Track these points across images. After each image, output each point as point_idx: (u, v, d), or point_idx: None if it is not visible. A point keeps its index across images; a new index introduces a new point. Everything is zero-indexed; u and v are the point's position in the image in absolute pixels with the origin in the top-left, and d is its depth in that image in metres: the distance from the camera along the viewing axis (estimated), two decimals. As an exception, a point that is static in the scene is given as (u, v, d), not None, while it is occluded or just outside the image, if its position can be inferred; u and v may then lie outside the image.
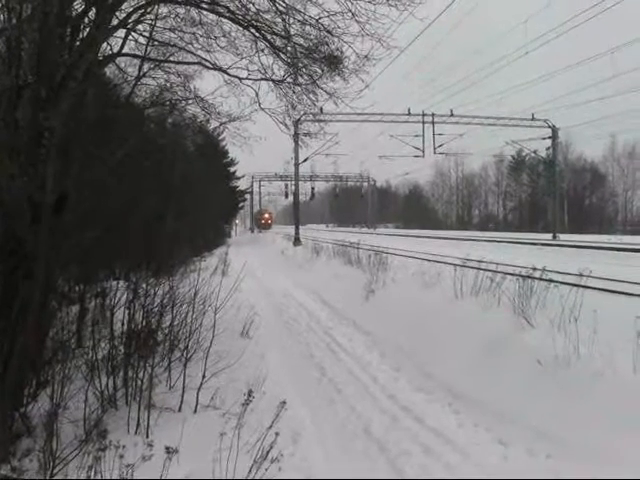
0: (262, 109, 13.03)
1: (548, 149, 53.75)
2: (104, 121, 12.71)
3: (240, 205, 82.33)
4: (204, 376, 8.32)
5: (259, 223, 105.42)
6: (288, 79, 11.80)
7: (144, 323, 8.97)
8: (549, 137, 52.32)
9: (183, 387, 8.14)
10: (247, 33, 10.87)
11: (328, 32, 10.46)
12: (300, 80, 11.67)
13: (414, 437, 7.35)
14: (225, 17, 10.52)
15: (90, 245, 11.18)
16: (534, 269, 10.89)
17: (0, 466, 6.11)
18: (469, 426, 7.66)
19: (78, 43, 8.22)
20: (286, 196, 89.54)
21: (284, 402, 6.10)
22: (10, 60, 7.21)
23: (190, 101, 16.36)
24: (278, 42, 10.82)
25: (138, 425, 7.26)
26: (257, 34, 10.71)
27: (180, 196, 23.71)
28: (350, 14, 10.08)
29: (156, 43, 13.32)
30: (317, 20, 10.33)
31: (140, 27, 11.96)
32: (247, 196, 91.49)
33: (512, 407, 7.77)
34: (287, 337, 13.93)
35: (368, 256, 21.02)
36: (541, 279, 10.61)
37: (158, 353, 8.95)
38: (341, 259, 24.98)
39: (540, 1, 36.97)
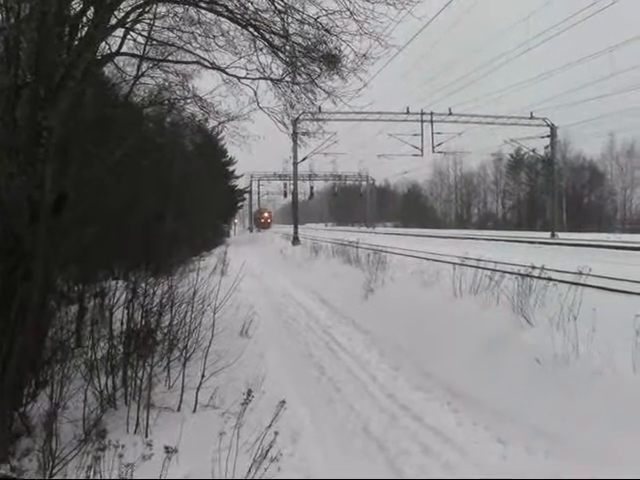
0: (261, 108, 13.04)
1: (547, 147, 53.74)
2: (103, 120, 12.71)
3: (239, 204, 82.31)
4: (203, 375, 8.32)
5: (258, 222, 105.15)
6: (286, 78, 11.80)
7: (143, 323, 8.98)
8: (548, 135, 52.32)
9: (182, 386, 8.14)
10: (245, 32, 10.87)
11: (326, 31, 10.45)
12: (299, 79, 11.67)
13: (413, 436, 7.35)
14: (224, 16, 10.51)
15: (89, 244, 11.18)
16: (533, 267, 10.90)
17: (0, 466, 6.12)
18: (468, 425, 7.66)
19: (76, 42, 8.21)
20: (285, 195, 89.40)
21: (283, 401, 6.10)
22: (8, 59, 7.20)
23: (189, 100, 16.37)
24: (277, 41, 10.82)
25: (137, 425, 7.26)
26: (256, 33, 10.70)
27: (179, 195, 23.70)
28: (348, 13, 10.07)
29: (154, 42, 13.32)
30: (315, 19, 10.33)
31: (139, 26, 11.98)
32: (246, 195, 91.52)
33: (511, 406, 7.78)
34: (286, 336, 13.93)
35: (367, 255, 21.03)
36: (540, 277, 10.62)
37: (157, 353, 8.95)
38: (340, 258, 24.98)
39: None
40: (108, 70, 14.92)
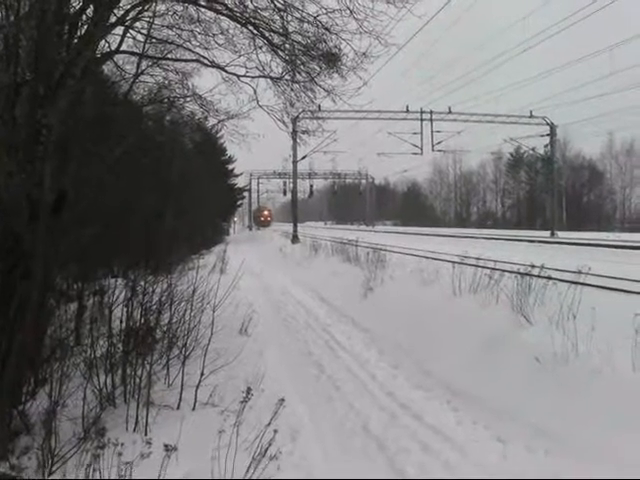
0: (260, 106, 13.01)
1: (546, 146, 53.84)
2: (102, 118, 12.70)
3: (238, 203, 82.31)
4: (202, 374, 8.32)
5: (258, 221, 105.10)
6: (286, 76, 11.78)
7: (142, 321, 8.99)
8: (547, 134, 52.39)
9: (182, 385, 8.14)
10: (245, 30, 10.85)
11: (326, 29, 10.44)
12: (298, 77, 11.65)
13: (413, 434, 7.34)
14: (223, 14, 10.50)
15: (88, 243, 11.18)
16: (532, 266, 10.90)
17: (-1, 464, 6.13)
18: (468, 423, 7.66)
19: (76, 40, 8.21)
20: (284, 194, 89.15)
21: (283, 399, 6.10)
22: (8, 57, 7.19)
23: (188, 99, 16.32)
24: (276, 39, 10.80)
25: (137, 423, 7.26)
26: (255, 31, 10.69)
27: (178, 194, 23.72)
28: (348, 11, 10.07)
29: (154, 40, 13.28)
30: (315, 17, 10.32)
31: (138, 24, 11.93)
32: (245, 194, 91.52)
33: (511, 404, 7.77)
34: (285, 334, 13.93)
35: (366, 253, 21.05)
36: (539, 276, 10.63)
37: (156, 351, 8.96)
38: (339, 257, 24.99)
39: (539, -2, 36.95)
40: (107, 68, 14.88)
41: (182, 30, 12.11)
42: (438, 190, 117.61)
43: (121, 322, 8.90)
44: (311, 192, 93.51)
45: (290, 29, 10.57)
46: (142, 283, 9.29)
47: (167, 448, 4.88)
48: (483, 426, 7.50)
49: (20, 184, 6.95)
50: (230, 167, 61.57)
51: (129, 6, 9.84)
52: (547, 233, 48.59)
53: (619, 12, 39.82)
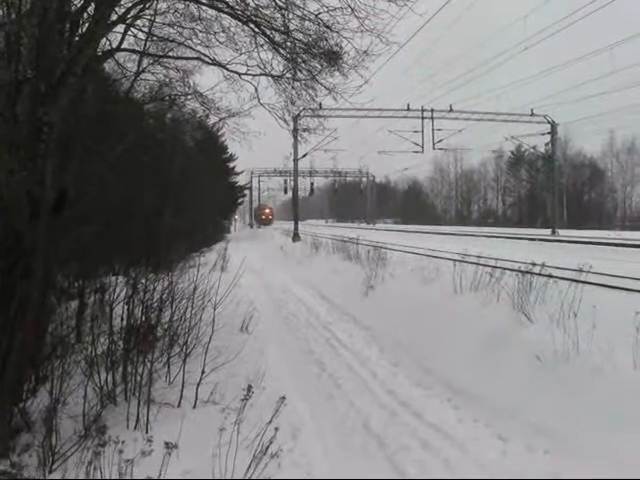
0: (261, 104, 13.00)
1: (547, 145, 53.89)
2: (103, 116, 12.69)
3: (239, 201, 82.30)
4: (203, 371, 8.33)
5: (259, 219, 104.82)
6: (287, 74, 11.78)
7: (143, 318, 8.99)
8: (548, 133, 52.37)
9: (182, 382, 8.14)
10: (246, 28, 10.85)
11: (327, 27, 10.43)
12: (299, 75, 11.65)
13: (413, 432, 7.35)
14: (224, 12, 10.50)
15: (89, 240, 11.18)
16: (533, 264, 10.90)
17: (0, 461, 6.13)
18: (468, 421, 7.66)
19: (77, 38, 8.21)
20: (285, 192, 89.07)
21: (283, 397, 6.11)
22: (9, 55, 7.21)
23: (189, 96, 16.32)
24: (277, 37, 10.80)
25: (137, 420, 7.26)
26: (256, 29, 10.69)
27: (179, 191, 23.71)
28: (349, 10, 10.06)
29: (155, 38, 13.28)
30: (316, 15, 10.31)
31: (139, 22, 11.91)
32: (246, 192, 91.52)
33: (511, 403, 7.78)
34: (286, 332, 13.94)
35: (367, 251, 21.04)
36: (540, 274, 10.63)
37: (157, 348, 8.95)
38: (340, 254, 24.99)
39: (540, -4, 36.87)
40: (109, 66, 14.88)
41: (183, 28, 12.12)
42: (439, 188, 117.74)
43: (122, 320, 8.91)
44: (312, 190, 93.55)
45: (291, 27, 10.57)
46: (143, 281, 9.29)
47: (168, 446, 4.88)
48: (484, 424, 7.50)
49: (21, 182, 6.96)
50: (231, 165, 61.64)
51: (130, 4, 9.85)
52: (548, 231, 48.54)
53: (620, 11, 39.84)
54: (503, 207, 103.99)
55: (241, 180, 76.90)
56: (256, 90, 12.70)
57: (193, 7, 11.22)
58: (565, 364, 7.82)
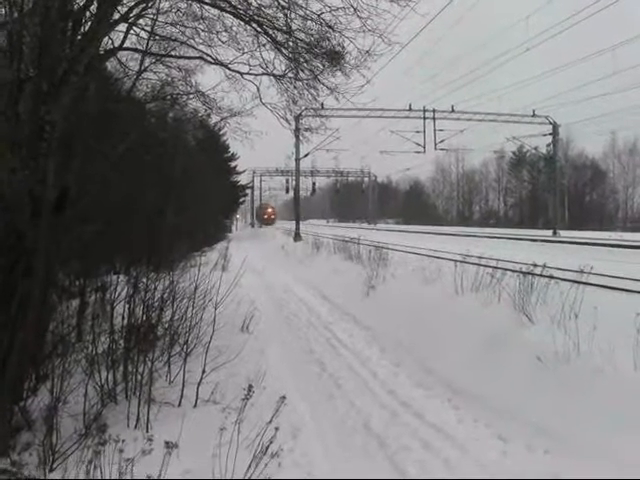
0: (263, 104, 13.00)
1: (549, 145, 53.83)
2: (105, 115, 12.69)
3: (241, 200, 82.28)
4: (204, 371, 8.33)
5: (261, 218, 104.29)
6: (289, 74, 11.77)
7: (144, 317, 8.99)
8: (550, 133, 52.36)
9: (183, 382, 8.15)
10: (249, 28, 10.84)
11: (330, 27, 10.43)
12: (301, 75, 11.64)
13: (413, 432, 7.35)
14: (227, 12, 10.50)
15: (91, 239, 11.18)
16: (534, 265, 10.90)
17: (0, 459, 6.13)
18: (469, 422, 7.67)
19: (79, 37, 8.21)
20: (287, 191, 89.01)
21: (284, 397, 6.11)
22: (12, 54, 7.22)
23: (191, 96, 16.32)
24: (280, 37, 10.80)
25: (138, 420, 7.27)
26: (259, 29, 10.68)
27: (181, 191, 23.70)
28: (352, 9, 10.06)
29: (157, 37, 13.28)
30: (319, 15, 10.31)
31: (141, 21, 11.92)
32: (248, 191, 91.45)
33: (512, 403, 7.78)
34: (287, 332, 13.94)
35: (368, 251, 21.04)
36: (541, 275, 10.63)
37: (158, 348, 8.95)
38: (341, 254, 25.00)
39: (543, -4, 36.85)
40: (111, 65, 14.88)
41: (185, 27, 12.13)
42: (440, 189, 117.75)
43: (123, 319, 8.92)
44: (313, 190, 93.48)
45: (294, 27, 10.57)
46: (144, 280, 9.29)
47: (168, 445, 4.88)
48: (484, 424, 7.51)
49: (23, 180, 6.96)
50: (233, 164, 61.60)
51: (132, 3, 9.85)
52: (549, 232, 48.50)
53: (622, 12, 39.83)
54: (504, 208, 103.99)
55: (243, 179, 76.94)
56: (258, 90, 12.71)
57: (195, 6, 11.23)
58: (566, 365, 7.82)
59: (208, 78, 15.03)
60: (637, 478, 5.44)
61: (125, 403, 7.73)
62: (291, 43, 10.87)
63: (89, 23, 8.40)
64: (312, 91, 11.99)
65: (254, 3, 10.18)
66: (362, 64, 11.28)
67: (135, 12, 10.22)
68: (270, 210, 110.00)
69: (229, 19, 11.03)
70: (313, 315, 16.07)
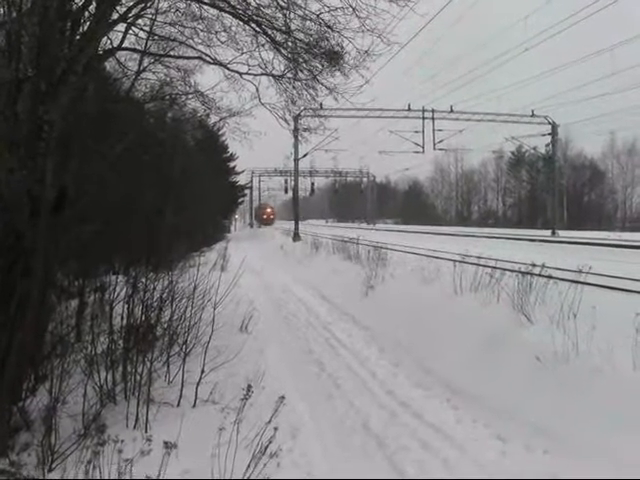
0: (262, 104, 13.01)
1: (547, 145, 53.88)
2: (104, 115, 12.70)
3: (240, 200, 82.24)
4: (203, 371, 8.33)
5: (261, 218, 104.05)
6: (288, 74, 11.77)
7: (143, 318, 8.99)
8: (549, 133, 52.41)
9: (182, 382, 8.14)
10: (247, 28, 10.84)
11: (329, 27, 10.43)
12: (300, 75, 11.64)
13: (412, 433, 7.35)
14: (226, 12, 10.50)
15: (89, 239, 11.18)
16: (533, 265, 10.90)
17: (-1, 460, 6.13)
18: (468, 422, 7.67)
19: (78, 37, 8.20)
20: (286, 191, 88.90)
21: (283, 397, 6.10)
22: (10, 53, 7.20)
23: (190, 96, 16.38)
24: (278, 37, 10.79)
25: (137, 420, 7.26)
26: (258, 29, 10.68)
27: (179, 191, 23.69)
28: (351, 9, 10.05)
29: (156, 37, 13.30)
30: (318, 15, 10.30)
31: (140, 21, 11.93)
32: (247, 191, 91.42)
33: (511, 403, 7.78)
34: (286, 332, 13.94)
35: (367, 251, 21.04)
36: (540, 275, 10.63)
37: (157, 348, 8.95)
38: (340, 255, 24.99)
39: (542, -4, 36.86)
40: (109, 65, 14.90)
41: (184, 27, 12.13)
42: (439, 189, 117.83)
43: (122, 319, 8.91)
44: (312, 190, 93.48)
45: (293, 27, 10.56)
46: (143, 280, 9.29)
47: (167, 445, 4.88)
48: (483, 424, 7.51)
49: (21, 180, 6.95)
50: (232, 164, 61.55)
51: (131, 3, 9.84)
52: (548, 232, 48.53)
53: (621, 12, 39.84)
54: (503, 208, 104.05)
55: (241, 180, 76.91)
56: (257, 90, 12.72)
57: (194, 6, 11.24)
58: (565, 365, 7.82)
59: (207, 78, 15.08)
60: (636, 478, 5.44)
61: (124, 403, 7.73)
62: (290, 43, 10.87)
63: (88, 23, 8.38)
64: (311, 91, 11.99)
65: (253, 3, 10.18)
66: (361, 64, 11.28)
67: (134, 12, 10.22)
68: (269, 210, 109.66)
69: (228, 19, 11.04)
70: (312, 315, 16.07)
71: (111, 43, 11.45)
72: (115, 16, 9.34)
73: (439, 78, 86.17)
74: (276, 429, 5.53)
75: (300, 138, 15.90)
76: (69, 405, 7.19)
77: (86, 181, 11.11)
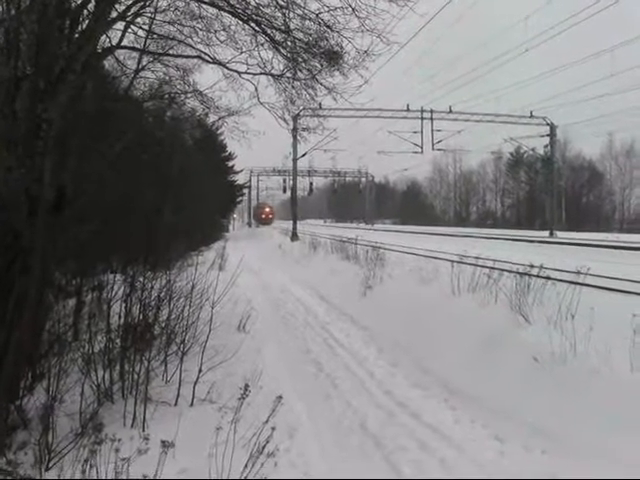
0: (261, 103, 13.03)
1: (546, 146, 53.90)
2: (102, 114, 12.68)
3: (238, 200, 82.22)
4: (200, 370, 8.30)
5: (259, 218, 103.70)
6: (287, 74, 11.79)
7: (141, 317, 8.98)
8: (547, 134, 52.42)
9: (179, 381, 8.13)
10: (247, 27, 10.85)
11: (328, 27, 10.43)
12: (299, 75, 11.65)
13: (410, 433, 7.35)
14: (225, 11, 10.50)
15: (87, 238, 11.16)
16: (531, 266, 10.90)
17: (-4, 459, 6.12)
18: (466, 422, 7.66)
19: (77, 35, 8.19)
20: (284, 191, 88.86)
21: (280, 397, 6.10)
22: (9, 51, 7.18)
23: (189, 95, 16.39)
24: (278, 36, 10.79)
25: (134, 419, 7.25)
26: (257, 28, 10.68)
27: (178, 190, 23.67)
28: (350, 9, 10.05)
29: (155, 36, 13.31)
30: (317, 15, 10.30)
31: (139, 20, 11.96)
32: (245, 191, 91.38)
33: (509, 403, 7.78)
34: (284, 332, 13.92)
35: (365, 252, 21.03)
36: (538, 276, 10.63)
37: (155, 347, 8.94)
38: (338, 254, 24.98)
39: (542, -4, 36.83)
40: (108, 63, 14.90)
41: (183, 26, 12.15)
42: (438, 189, 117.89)
43: (119, 318, 8.89)
44: (311, 190, 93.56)
45: (292, 26, 10.56)
46: (141, 279, 9.29)
47: (164, 444, 4.88)
48: (481, 425, 7.51)
49: (19, 179, 6.93)
50: (230, 164, 61.54)
51: (130, 1, 9.86)
52: (546, 233, 48.61)
53: (622, 13, 39.82)
54: (502, 208, 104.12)
55: (240, 179, 76.94)
56: (256, 89, 12.74)
57: (194, 5, 11.25)
58: (562, 365, 7.82)
59: (206, 77, 15.09)
60: (634, 478, 5.44)
61: (121, 402, 7.72)
62: (289, 43, 10.87)
63: (87, 21, 8.38)
64: (310, 91, 12.01)
65: (252, 2, 10.18)
66: (360, 64, 11.29)
67: (133, 10, 10.24)
68: (268, 210, 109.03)
69: (227, 18, 11.05)
70: (310, 315, 16.05)
71: (110, 41, 11.46)
72: (114, 14, 9.35)
73: (438, 78, 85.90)
74: (273, 429, 5.53)
75: (299, 138, 15.93)
76: (66, 404, 7.19)
77: (84, 180, 11.10)
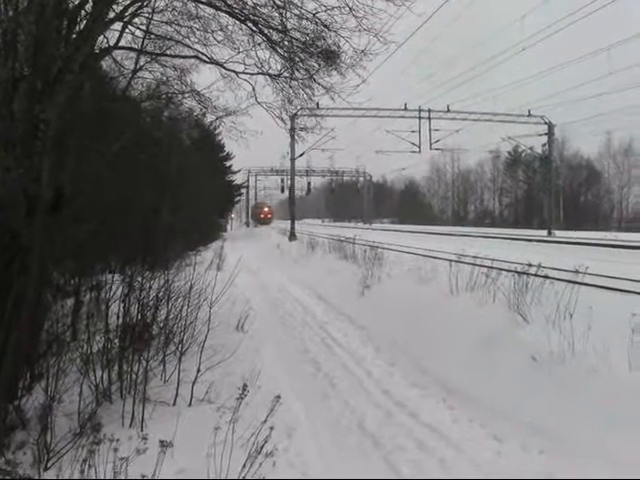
0: (259, 103, 13.01)
1: (544, 145, 53.86)
2: (100, 114, 12.68)
3: (236, 199, 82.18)
4: (199, 370, 8.30)
5: (257, 217, 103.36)
6: (285, 73, 11.77)
7: (139, 317, 8.97)
8: (545, 133, 52.39)
9: (178, 381, 8.13)
10: (244, 27, 10.84)
11: (325, 27, 10.42)
12: (297, 74, 11.64)
13: (408, 432, 7.35)
14: (222, 11, 10.49)
15: (85, 238, 11.16)
16: (529, 265, 10.91)
17: (-6, 459, 6.12)
18: (464, 422, 7.67)
19: (75, 36, 8.19)
20: (282, 191, 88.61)
21: (279, 396, 6.11)
22: (6, 52, 7.17)
23: (186, 95, 16.34)
24: (275, 36, 10.78)
25: (133, 419, 7.24)
26: (254, 28, 10.67)
27: (176, 190, 23.67)
28: (347, 9, 10.05)
29: (153, 36, 13.29)
30: (314, 14, 10.30)
31: (137, 20, 11.92)
32: (243, 190, 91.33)
33: (507, 403, 7.79)
34: (282, 332, 13.93)
35: (363, 251, 21.05)
36: (536, 275, 10.64)
37: (153, 347, 8.93)
38: (337, 254, 25.00)
39: (539, -5, 36.82)
40: (106, 64, 14.88)
41: (181, 26, 12.13)
42: (436, 188, 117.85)
43: (118, 318, 8.88)
44: (309, 189, 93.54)
45: (289, 26, 10.55)
46: (139, 279, 9.29)
47: (163, 444, 4.88)
48: (479, 424, 7.52)
49: (17, 179, 6.93)
50: (228, 164, 61.48)
51: (128, 2, 9.84)
52: (544, 232, 48.59)
53: (619, 12, 39.84)
54: (500, 208, 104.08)
55: (238, 179, 76.90)
56: (253, 89, 12.72)
57: (191, 5, 11.24)
58: (561, 365, 7.83)
59: (203, 77, 15.07)
60: (632, 478, 5.45)
61: (120, 402, 7.70)
62: (286, 42, 10.86)
63: (84, 22, 8.38)
64: (307, 90, 12.00)
65: (249, 2, 10.17)
66: (358, 63, 11.29)
67: (130, 11, 10.22)
68: (267, 209, 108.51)
69: (224, 18, 11.04)
70: (308, 315, 16.06)
71: (107, 42, 11.44)
72: (112, 15, 9.34)
73: (436, 77, 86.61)
74: (272, 428, 5.53)
75: (297, 137, 15.86)
76: (65, 404, 7.18)
77: (82, 180, 11.09)
